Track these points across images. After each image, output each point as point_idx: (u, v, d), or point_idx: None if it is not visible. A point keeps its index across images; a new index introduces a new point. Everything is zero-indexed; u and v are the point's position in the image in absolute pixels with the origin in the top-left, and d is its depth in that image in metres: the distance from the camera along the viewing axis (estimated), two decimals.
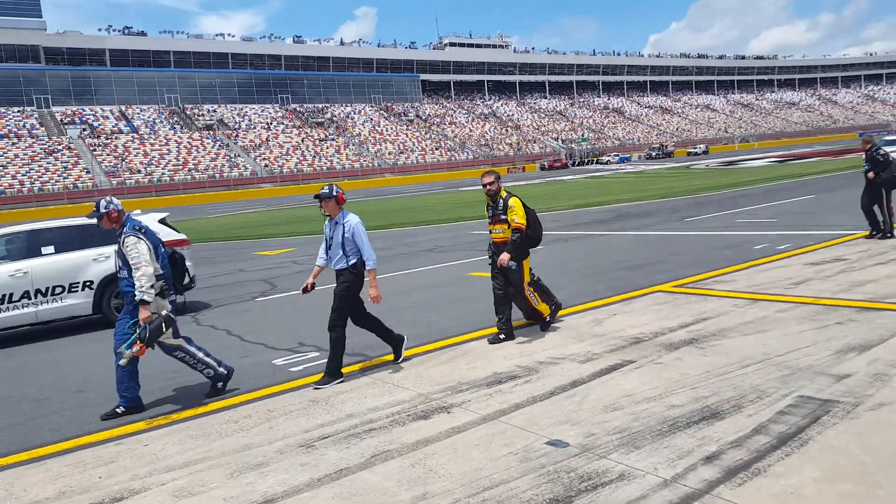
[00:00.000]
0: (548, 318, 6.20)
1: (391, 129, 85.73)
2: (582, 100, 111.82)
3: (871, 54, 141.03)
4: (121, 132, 68.19)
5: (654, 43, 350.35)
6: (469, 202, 27.95)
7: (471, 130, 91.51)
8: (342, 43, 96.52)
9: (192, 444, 4.14)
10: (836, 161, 35.24)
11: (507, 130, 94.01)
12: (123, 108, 73.49)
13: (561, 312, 6.69)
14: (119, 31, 79.82)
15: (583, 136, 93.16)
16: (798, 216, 13.71)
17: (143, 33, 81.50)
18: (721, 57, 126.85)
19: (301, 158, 71.26)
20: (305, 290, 5.35)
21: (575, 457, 3.38)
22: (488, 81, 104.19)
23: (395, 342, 5.58)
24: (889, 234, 9.53)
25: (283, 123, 79.84)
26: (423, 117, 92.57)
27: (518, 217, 5.87)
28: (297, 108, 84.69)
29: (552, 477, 3.17)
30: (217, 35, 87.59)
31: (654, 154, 75.84)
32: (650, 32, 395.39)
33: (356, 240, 5.23)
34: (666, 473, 3.10)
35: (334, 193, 5.24)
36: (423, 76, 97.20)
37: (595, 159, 75.28)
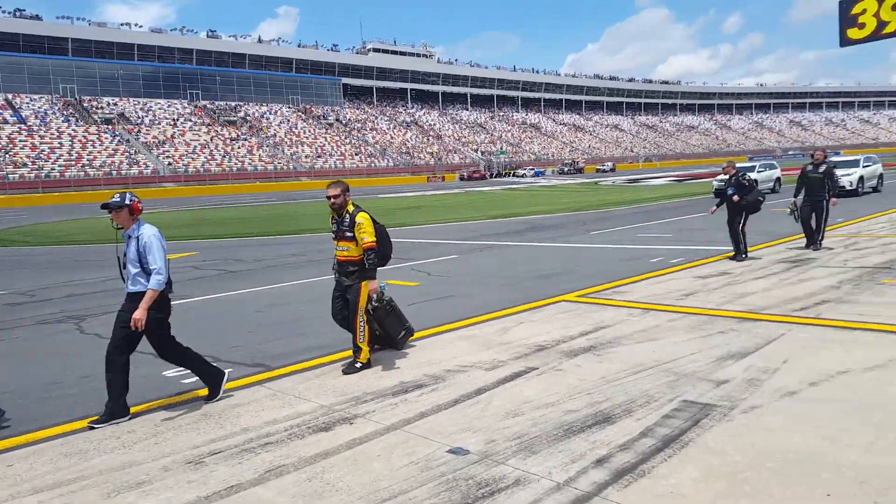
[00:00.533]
0: (359, 365, 5.36)
1: (309, 131, 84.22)
2: (502, 113, 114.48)
3: (761, 85, 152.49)
4: (6, 122, 63.12)
5: (571, 62, 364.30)
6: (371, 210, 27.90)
7: (392, 137, 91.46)
8: (260, 40, 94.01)
9: (64, 462, 3.83)
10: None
11: (428, 139, 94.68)
12: (10, 96, 68.10)
13: (473, 320, 6.83)
14: (9, 12, 74.05)
15: (501, 149, 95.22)
16: (690, 232, 14.63)
17: (37, 17, 76.08)
18: (630, 80, 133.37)
19: (209, 158, 68.62)
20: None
21: (475, 464, 3.46)
22: (411, 90, 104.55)
23: (212, 377, 4.86)
24: (743, 256, 10.06)
25: (190, 120, 76.58)
26: (344, 121, 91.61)
27: (367, 235, 5.32)
28: (208, 106, 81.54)
29: (451, 485, 3.24)
30: (123, 24, 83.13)
31: (566, 169, 78.61)
32: (568, 52, 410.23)
33: (148, 255, 4.49)
34: (559, 477, 3.24)
35: (127, 202, 4.50)
36: (346, 80, 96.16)
37: (512, 172, 77.08)
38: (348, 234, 5.40)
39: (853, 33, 6.34)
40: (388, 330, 5.82)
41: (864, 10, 6.14)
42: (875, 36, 6.22)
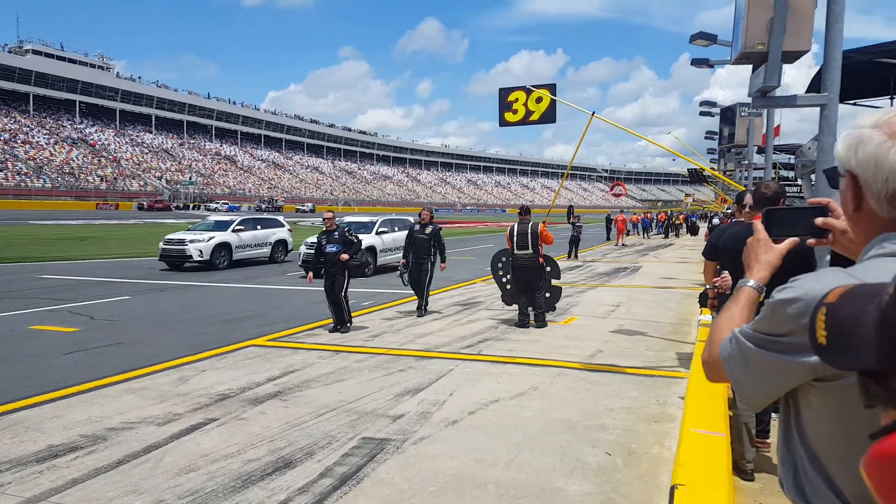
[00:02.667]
0: None
1: None
2: (193, 141, 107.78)
3: (446, 146, 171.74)
4: None
5: (273, 99, 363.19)
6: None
7: (52, 154, 78.94)
8: None
9: None
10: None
11: (100, 161, 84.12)
12: None
13: (144, 370, 6.24)
14: None
15: (190, 178, 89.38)
16: (381, 276, 15.60)
17: None
18: (331, 125, 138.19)
19: None
20: None
21: None
22: (81, 103, 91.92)
23: None
24: (348, 325, 8.54)
25: None
26: None
27: None
28: None
29: None
30: None
31: (263, 207, 77.45)
32: (270, 88, 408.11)
33: None
34: None
35: None
36: None
37: (203, 205, 72.92)
38: None
39: (509, 117, 7.67)
40: None
41: (517, 99, 7.49)
42: (524, 121, 7.64)
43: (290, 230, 19.44)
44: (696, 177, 28.24)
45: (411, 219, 17.87)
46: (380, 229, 16.80)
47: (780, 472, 1.17)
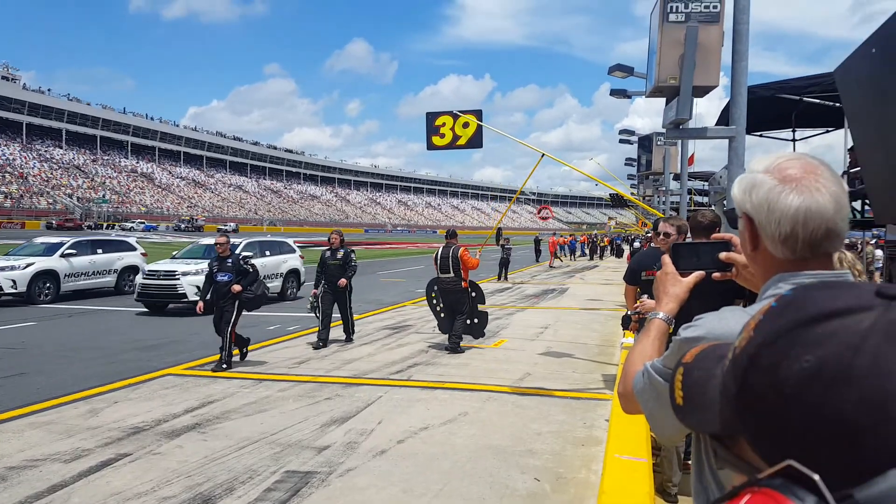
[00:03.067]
0: None
1: None
2: (107, 157, 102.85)
3: (375, 166, 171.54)
4: None
5: (193, 115, 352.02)
6: None
7: None
8: None
9: None
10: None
11: (4, 177, 79.01)
12: None
13: (50, 403, 5.82)
14: None
15: (104, 196, 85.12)
16: (309, 299, 15.26)
17: None
18: (255, 143, 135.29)
19: None
20: None
21: None
22: None
23: None
24: (224, 367, 7.44)
25: None
26: None
27: None
28: None
29: None
30: None
31: (183, 226, 74.58)
32: (191, 104, 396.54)
33: None
34: None
35: None
36: None
37: (117, 224, 69.52)
38: None
39: (437, 141, 7.74)
40: None
41: (444, 124, 7.58)
42: (452, 145, 7.72)
43: (144, 254, 16.50)
44: (617, 201, 29.41)
45: (291, 241, 16.61)
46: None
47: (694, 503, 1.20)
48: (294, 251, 16.28)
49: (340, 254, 9.34)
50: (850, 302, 0.52)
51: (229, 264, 7.83)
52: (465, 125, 7.52)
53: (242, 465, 4.41)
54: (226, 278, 7.75)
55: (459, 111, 7.60)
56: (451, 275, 8.80)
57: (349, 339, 9.45)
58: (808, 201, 1.05)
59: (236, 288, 7.67)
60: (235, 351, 7.86)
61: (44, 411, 5.66)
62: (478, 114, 7.67)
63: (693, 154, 17.40)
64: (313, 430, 5.24)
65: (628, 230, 55.81)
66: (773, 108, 10.68)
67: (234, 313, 7.69)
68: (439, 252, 8.93)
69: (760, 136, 12.55)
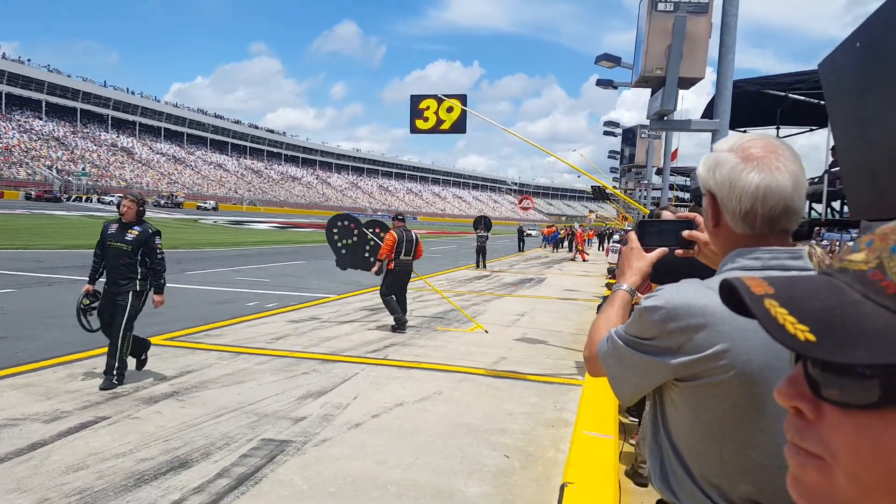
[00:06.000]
0: None
1: None
2: (87, 131, 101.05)
3: (357, 150, 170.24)
4: None
5: (177, 91, 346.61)
6: None
7: None
8: None
9: None
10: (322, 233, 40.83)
11: None
12: None
13: (31, 366, 5.85)
14: None
15: (83, 169, 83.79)
16: (288, 278, 15.33)
17: None
18: (237, 122, 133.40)
19: None
20: None
21: None
22: None
23: None
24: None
25: None
26: None
27: None
28: None
29: None
30: None
31: (162, 202, 73.67)
32: (174, 80, 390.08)
33: None
34: None
35: None
36: None
37: (97, 198, 68.46)
38: None
39: (420, 124, 7.79)
40: None
41: (428, 107, 7.63)
42: (435, 130, 7.78)
43: None
44: (599, 194, 29.66)
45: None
46: None
47: (649, 463, 1.28)
48: None
49: (134, 232, 5.63)
50: None
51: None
52: (450, 109, 7.59)
53: (219, 431, 4.50)
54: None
55: (444, 95, 7.67)
56: (411, 258, 9.28)
57: (109, 385, 5.38)
58: (767, 179, 1.11)
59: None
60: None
61: (23, 374, 5.69)
62: (462, 98, 7.74)
63: (677, 149, 17.65)
64: (290, 402, 5.34)
65: (608, 224, 56.22)
66: (759, 103, 10.76)
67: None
68: (404, 235, 9.18)
69: (745, 131, 12.79)
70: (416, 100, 7.79)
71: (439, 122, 7.66)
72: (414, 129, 7.94)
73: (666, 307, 1.13)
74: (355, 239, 9.76)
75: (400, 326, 8.93)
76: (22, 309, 9.07)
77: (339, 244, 9.56)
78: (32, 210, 43.92)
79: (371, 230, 9.74)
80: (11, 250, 17.58)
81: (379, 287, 9.41)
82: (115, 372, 5.48)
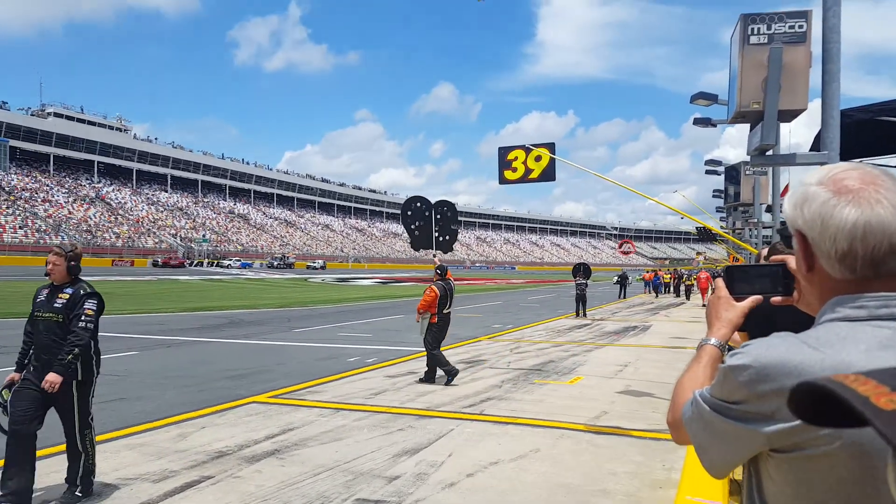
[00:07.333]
0: None
1: None
2: (207, 200, 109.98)
3: (454, 203, 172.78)
4: None
5: (289, 159, 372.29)
6: None
7: (71, 212, 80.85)
8: None
9: None
10: (421, 286, 41.49)
11: (117, 218, 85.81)
12: None
13: (144, 427, 6.20)
14: None
15: (204, 236, 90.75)
16: (387, 332, 15.58)
17: None
18: (342, 184, 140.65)
19: None
20: None
21: None
22: (100, 163, 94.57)
23: None
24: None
25: None
26: (8, 189, 78.45)
27: None
28: None
29: None
30: None
31: (275, 263, 78.08)
32: (287, 149, 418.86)
33: None
34: None
35: None
36: (15, 143, 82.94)
37: (216, 262, 73.67)
38: None
39: (509, 175, 7.82)
40: None
41: (516, 158, 7.66)
42: (524, 179, 7.77)
43: None
44: (706, 235, 28.30)
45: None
46: None
47: None
48: None
49: (65, 295, 4.34)
50: None
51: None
52: (538, 158, 7.57)
53: (316, 491, 4.53)
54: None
55: (532, 145, 7.67)
56: (449, 309, 9.38)
57: (72, 495, 4.31)
58: (866, 214, 0.97)
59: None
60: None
61: (138, 434, 6.04)
62: (551, 147, 7.70)
63: (787, 185, 16.53)
64: (385, 459, 5.31)
65: (718, 265, 53.43)
66: (873, 132, 10.03)
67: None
68: (446, 288, 9.29)
69: (860, 162, 11.86)
70: (503, 151, 7.85)
71: (528, 171, 7.65)
72: (503, 180, 7.97)
73: (755, 366, 0.98)
74: (426, 219, 10.46)
75: (452, 377, 8.86)
76: (142, 370, 9.72)
77: (412, 226, 10.25)
78: (159, 276, 47.78)
79: (441, 209, 10.45)
80: (139, 315, 19.08)
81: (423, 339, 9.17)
82: (78, 482, 4.30)
